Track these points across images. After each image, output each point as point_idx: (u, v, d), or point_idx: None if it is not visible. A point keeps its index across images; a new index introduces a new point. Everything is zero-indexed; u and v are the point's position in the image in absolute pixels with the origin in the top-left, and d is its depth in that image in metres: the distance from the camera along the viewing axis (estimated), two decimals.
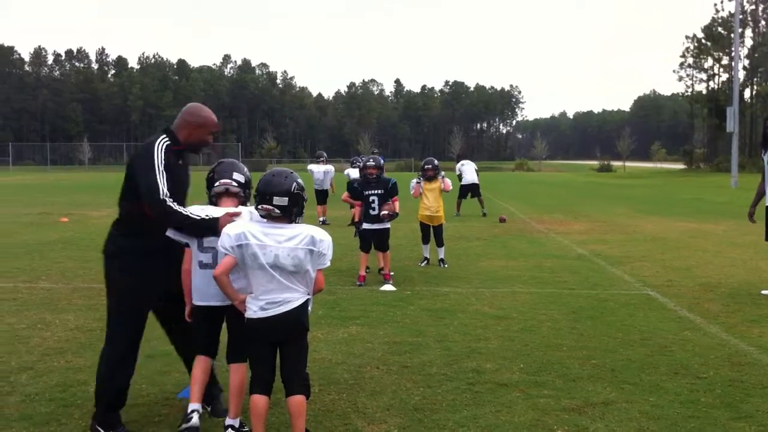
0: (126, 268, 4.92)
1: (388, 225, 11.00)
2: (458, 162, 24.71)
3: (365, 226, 11.04)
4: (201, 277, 4.87)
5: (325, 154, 21.56)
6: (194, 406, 4.88)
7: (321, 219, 19.77)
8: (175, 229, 4.86)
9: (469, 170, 23.93)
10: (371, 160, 11.19)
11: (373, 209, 10.92)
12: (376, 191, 10.93)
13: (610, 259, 13.21)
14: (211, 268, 4.76)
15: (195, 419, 4.81)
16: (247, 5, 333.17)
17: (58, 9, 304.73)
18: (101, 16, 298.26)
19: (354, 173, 22.56)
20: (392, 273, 10.94)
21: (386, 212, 10.82)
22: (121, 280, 4.94)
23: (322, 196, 20.34)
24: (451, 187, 12.81)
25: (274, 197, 4.45)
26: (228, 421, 4.76)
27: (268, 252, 4.38)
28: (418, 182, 12.66)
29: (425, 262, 12.65)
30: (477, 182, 23.84)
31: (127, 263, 4.92)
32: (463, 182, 23.68)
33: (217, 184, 4.98)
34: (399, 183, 11.15)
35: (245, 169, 5.14)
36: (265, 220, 4.52)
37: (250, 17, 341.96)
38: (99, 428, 4.88)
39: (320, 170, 20.33)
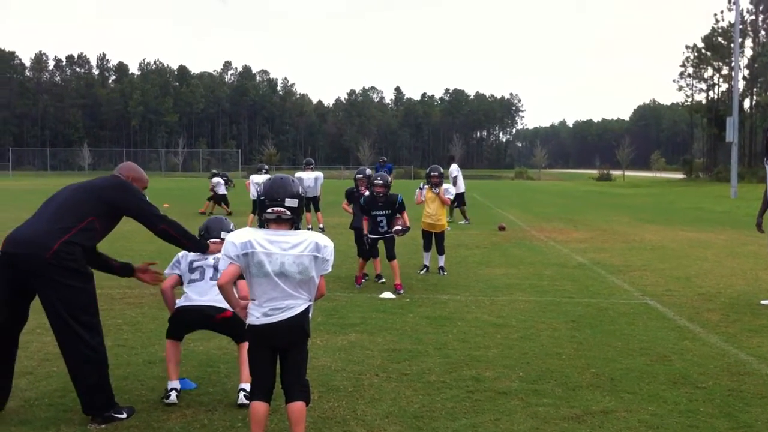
0: None
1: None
2: (451, 165, 23.97)
3: (372, 236, 11.13)
4: (191, 291, 5.77)
5: (313, 161, 21.78)
6: (173, 384, 5.66)
7: (320, 226, 19.80)
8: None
9: (461, 178, 23.61)
10: (378, 178, 11.07)
11: (382, 227, 11.05)
12: (383, 212, 11.01)
13: (610, 268, 13.21)
14: (199, 280, 5.80)
15: (173, 397, 5.57)
16: (248, 12, 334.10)
17: (59, 15, 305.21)
18: (103, 22, 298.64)
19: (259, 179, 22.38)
20: (384, 280, 10.95)
21: (399, 228, 10.91)
22: None
23: (314, 203, 20.35)
24: (450, 201, 12.80)
25: (286, 199, 4.49)
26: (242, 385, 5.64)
27: (274, 260, 4.39)
28: (421, 189, 12.73)
29: (425, 269, 12.65)
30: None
31: None
32: (459, 190, 23.38)
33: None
34: (399, 190, 11.19)
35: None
36: (263, 228, 4.54)
37: (251, 24, 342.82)
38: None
39: (311, 177, 20.32)
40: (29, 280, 5.07)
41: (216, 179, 27.16)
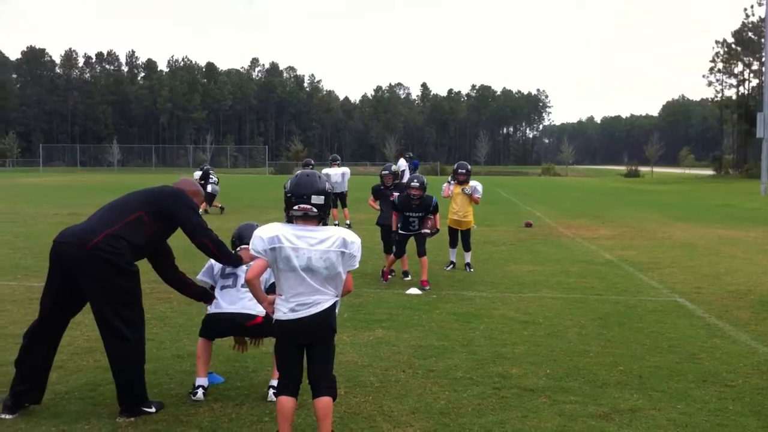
0: None
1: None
2: (399, 160, 23.70)
3: (402, 231, 11.12)
4: (222, 297, 5.80)
5: (339, 157, 21.80)
6: (200, 381, 5.72)
7: (347, 222, 19.80)
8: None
9: (408, 173, 23.25)
10: (415, 180, 10.93)
11: (413, 226, 11.03)
12: (416, 214, 10.98)
13: (638, 265, 13.12)
14: (231, 287, 5.81)
15: (200, 394, 5.64)
16: (275, 9, 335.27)
17: (89, 12, 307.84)
18: (132, 21, 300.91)
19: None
20: (410, 277, 10.94)
21: (427, 231, 10.89)
22: None
23: (341, 198, 20.34)
24: (480, 200, 12.81)
25: (312, 196, 4.49)
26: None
27: (301, 255, 4.40)
28: (449, 183, 12.79)
29: (451, 266, 12.64)
30: None
31: None
32: None
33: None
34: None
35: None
36: (291, 223, 4.54)
37: (278, 21, 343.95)
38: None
39: (337, 173, 20.37)
40: (74, 272, 5.18)
41: (197, 173, 25.33)
